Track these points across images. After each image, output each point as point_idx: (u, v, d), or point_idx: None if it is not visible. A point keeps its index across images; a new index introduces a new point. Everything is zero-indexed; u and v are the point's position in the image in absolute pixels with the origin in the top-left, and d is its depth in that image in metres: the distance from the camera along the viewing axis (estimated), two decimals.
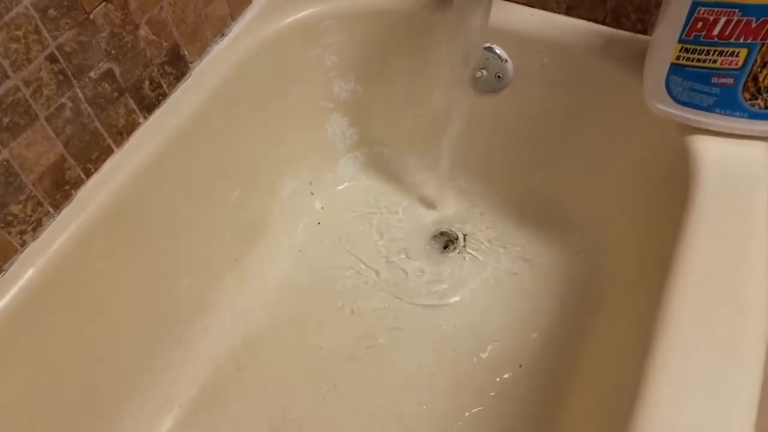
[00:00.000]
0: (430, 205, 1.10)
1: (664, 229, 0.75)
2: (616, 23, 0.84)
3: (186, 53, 0.79)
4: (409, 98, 1.02)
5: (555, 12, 0.86)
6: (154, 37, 0.72)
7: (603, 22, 0.84)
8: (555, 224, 1.02)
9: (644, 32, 0.83)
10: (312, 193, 1.09)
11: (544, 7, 0.87)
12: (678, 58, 0.68)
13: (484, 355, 0.92)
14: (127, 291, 0.76)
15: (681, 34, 0.66)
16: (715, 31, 0.64)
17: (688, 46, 0.66)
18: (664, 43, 0.68)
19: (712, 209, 0.67)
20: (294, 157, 1.04)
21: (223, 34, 0.85)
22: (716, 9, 0.62)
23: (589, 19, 0.85)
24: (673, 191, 0.75)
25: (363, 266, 1.02)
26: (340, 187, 1.11)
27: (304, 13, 0.91)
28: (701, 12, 0.63)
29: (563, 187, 1.00)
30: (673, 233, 0.68)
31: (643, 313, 0.75)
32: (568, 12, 0.86)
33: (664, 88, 0.71)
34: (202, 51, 0.82)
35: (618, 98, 0.84)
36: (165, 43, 0.75)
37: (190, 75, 0.80)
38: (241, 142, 0.91)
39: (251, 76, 0.88)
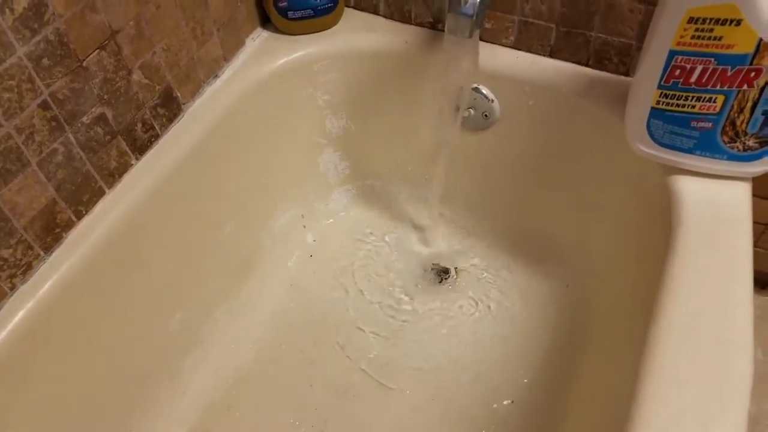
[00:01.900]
0: (422, 238, 1.11)
1: (649, 266, 0.76)
2: (599, 65, 0.86)
3: (179, 95, 0.80)
4: (399, 134, 1.05)
5: (540, 54, 0.89)
6: (146, 81, 0.74)
7: (586, 64, 0.87)
8: (545, 257, 1.04)
9: (626, 74, 0.85)
10: (304, 226, 1.10)
11: (529, 50, 0.89)
12: (658, 102, 0.70)
13: (477, 390, 0.92)
14: (118, 329, 0.76)
15: (660, 80, 0.68)
16: (693, 78, 0.66)
17: (668, 92, 0.68)
18: (644, 88, 0.70)
19: (696, 248, 0.68)
20: (286, 191, 1.05)
21: (216, 76, 0.87)
22: (693, 58, 0.64)
23: (573, 62, 0.87)
24: (657, 229, 0.77)
25: (354, 300, 1.02)
26: (332, 220, 1.13)
27: (296, 54, 0.93)
28: (678, 60, 0.65)
29: (552, 222, 1.01)
30: (658, 271, 0.69)
31: (630, 350, 0.76)
32: (553, 54, 0.88)
33: (646, 131, 0.73)
34: (195, 92, 0.83)
35: (603, 137, 0.86)
36: (158, 86, 0.76)
37: (183, 116, 0.82)
38: (234, 179, 0.92)
39: (244, 115, 0.89)
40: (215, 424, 0.89)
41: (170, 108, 0.79)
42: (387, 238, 1.11)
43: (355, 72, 0.97)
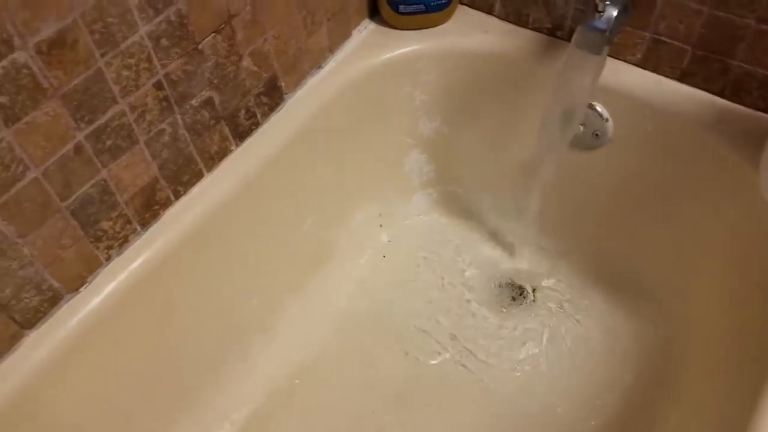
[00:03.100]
0: (501, 251, 1.06)
1: (758, 330, 0.69)
2: (736, 97, 0.78)
3: (283, 84, 0.77)
4: (494, 143, 0.99)
5: (668, 77, 0.82)
6: (255, 68, 0.71)
7: (720, 94, 0.79)
8: (634, 293, 0.97)
9: (766, 111, 0.77)
10: (381, 225, 1.07)
11: (656, 70, 0.82)
12: None
13: (539, 424, 0.87)
14: (197, 307, 0.76)
15: None
16: None
17: None
18: None
19: None
20: (368, 187, 1.02)
21: (320, 67, 0.83)
22: None
23: (705, 89, 0.80)
24: None
25: (422, 307, 0.98)
26: (409, 222, 1.08)
27: (402, 50, 0.89)
28: None
29: (648, 256, 0.95)
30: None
31: (730, 410, 0.70)
32: (683, 78, 0.81)
33: None
34: (297, 83, 0.80)
35: (725, 178, 0.79)
36: (264, 75, 0.73)
37: (284, 106, 0.79)
38: (320, 172, 0.89)
39: (340, 109, 0.86)
40: (277, 409, 0.88)
41: (273, 97, 0.76)
42: (464, 247, 1.06)
43: (458, 74, 0.92)
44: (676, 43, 0.78)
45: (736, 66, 0.76)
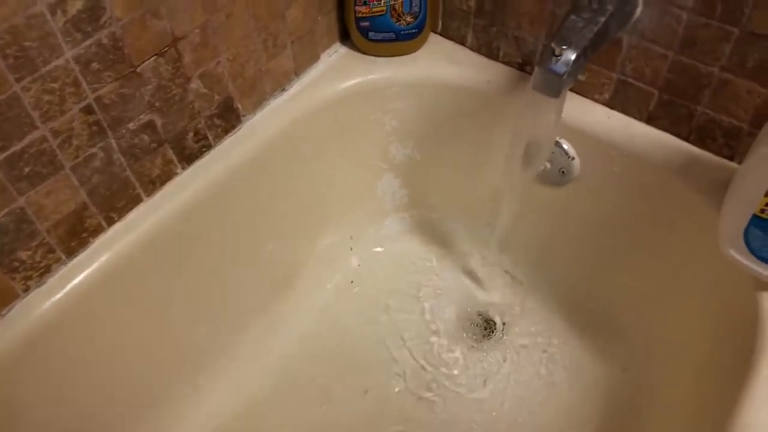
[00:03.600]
0: (473, 281, 1.04)
1: (723, 376, 0.67)
2: (701, 143, 0.76)
3: (239, 107, 0.77)
4: (466, 171, 0.98)
5: (635, 118, 0.79)
6: (205, 91, 0.70)
7: (686, 139, 0.77)
8: (603, 332, 0.94)
9: (730, 158, 0.74)
10: (351, 249, 1.06)
11: (624, 111, 0.80)
12: (763, 211, 0.59)
13: None
14: (134, 339, 0.74)
15: None
16: None
17: None
18: (750, 188, 0.60)
19: None
20: (338, 211, 1.01)
21: (283, 89, 0.83)
22: None
23: (671, 132, 0.77)
24: (735, 342, 0.68)
25: (388, 338, 0.96)
26: (381, 249, 1.07)
27: (372, 76, 0.87)
28: None
29: (617, 296, 0.92)
30: (733, 388, 0.62)
31: None
32: (650, 121, 0.78)
33: (742, 237, 0.63)
34: (257, 105, 0.79)
35: (690, 223, 0.76)
36: (217, 97, 0.73)
37: (241, 128, 0.78)
38: (286, 195, 0.88)
39: (305, 132, 0.85)
40: None
41: (228, 119, 0.76)
42: (435, 275, 1.04)
43: (429, 103, 0.90)
44: (643, 85, 0.76)
45: (701, 112, 0.73)
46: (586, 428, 0.87)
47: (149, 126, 0.66)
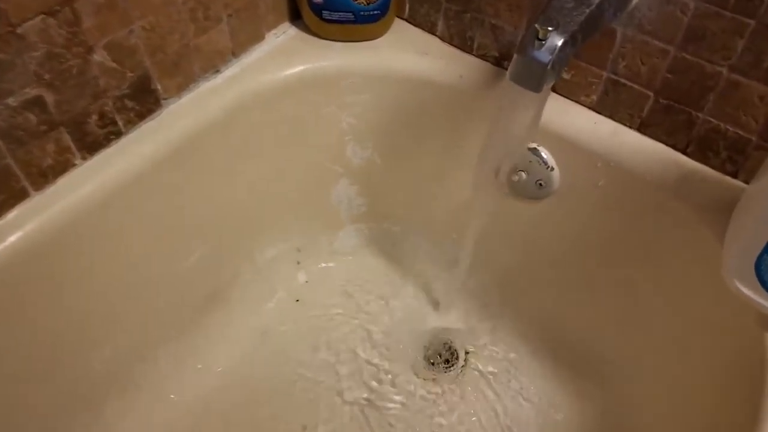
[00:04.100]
0: (434, 304, 0.93)
1: (721, 425, 0.58)
2: (701, 156, 0.65)
3: (159, 87, 0.64)
4: (432, 179, 0.87)
5: (625, 125, 0.69)
6: (113, 65, 0.58)
7: (684, 151, 0.66)
8: (579, 371, 0.84)
9: (735, 175, 0.64)
10: (298, 263, 0.93)
11: (612, 117, 0.69)
12: None
13: None
14: (21, 362, 0.60)
15: None
16: None
17: None
18: (765, 210, 0.50)
19: None
20: (283, 218, 0.88)
21: (217, 71, 0.70)
22: None
23: (666, 143, 0.67)
24: (739, 389, 0.58)
25: (335, 368, 0.84)
26: (333, 264, 0.95)
27: (325, 63, 0.76)
28: None
29: (595, 331, 0.82)
30: None
31: None
32: (642, 129, 0.68)
33: (753, 269, 0.53)
34: (183, 87, 0.67)
35: (686, 249, 0.67)
36: (130, 73, 0.60)
37: (161, 113, 0.65)
38: (215, 196, 0.75)
39: (243, 123, 0.73)
40: None
41: (144, 102, 0.63)
42: (394, 296, 0.92)
43: (391, 98, 0.79)
44: (637, 86, 0.65)
45: (703, 120, 0.63)
46: None
47: (37, 103, 0.53)
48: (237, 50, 0.71)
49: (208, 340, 0.82)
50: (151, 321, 0.74)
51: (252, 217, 0.83)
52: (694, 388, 0.68)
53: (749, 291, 0.54)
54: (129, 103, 0.61)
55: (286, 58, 0.74)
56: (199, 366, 0.81)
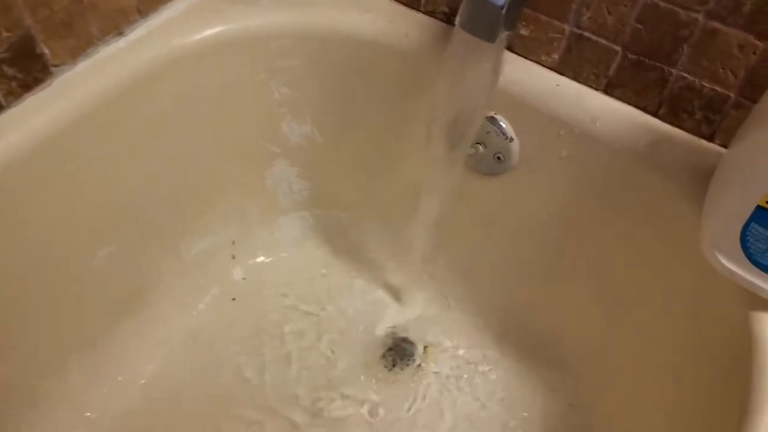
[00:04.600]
0: (388, 297, 0.85)
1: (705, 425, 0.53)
2: (673, 118, 0.59)
3: (46, 52, 0.54)
4: (380, 156, 0.79)
5: (591, 86, 0.62)
6: None
7: (654, 114, 0.60)
8: (546, 360, 0.79)
9: (710, 138, 0.58)
10: (233, 257, 0.84)
11: (576, 78, 0.62)
12: None
13: None
14: None
15: None
16: None
17: None
18: (749, 174, 0.43)
19: None
20: (213, 206, 0.79)
21: (120, 33, 0.60)
22: None
23: (635, 105, 0.61)
24: (722, 379, 0.53)
25: (277, 374, 0.75)
26: (272, 257, 0.86)
27: (250, 22, 0.67)
28: None
29: (562, 317, 0.77)
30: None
31: None
32: (609, 90, 0.61)
33: (738, 240, 0.47)
34: (78, 52, 0.57)
35: (659, 220, 0.61)
36: (6, 34, 0.50)
37: (51, 84, 0.55)
38: (128, 181, 0.66)
39: (155, 93, 0.64)
40: None
41: (29, 69, 0.53)
42: (342, 289, 0.85)
43: (330, 63, 0.71)
44: (603, 41, 0.58)
45: (676, 76, 0.56)
46: None
47: None
48: (144, 8, 0.62)
49: (128, 349, 0.72)
50: (57, 328, 0.64)
51: (173, 206, 0.73)
52: (670, 374, 0.62)
53: (733, 265, 0.48)
54: (9, 71, 0.52)
55: (203, 17, 0.65)
56: (120, 378, 0.71)
